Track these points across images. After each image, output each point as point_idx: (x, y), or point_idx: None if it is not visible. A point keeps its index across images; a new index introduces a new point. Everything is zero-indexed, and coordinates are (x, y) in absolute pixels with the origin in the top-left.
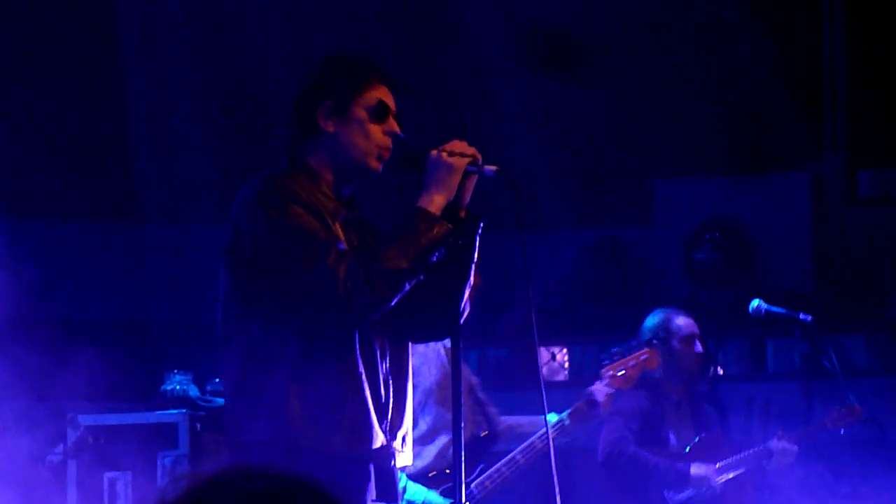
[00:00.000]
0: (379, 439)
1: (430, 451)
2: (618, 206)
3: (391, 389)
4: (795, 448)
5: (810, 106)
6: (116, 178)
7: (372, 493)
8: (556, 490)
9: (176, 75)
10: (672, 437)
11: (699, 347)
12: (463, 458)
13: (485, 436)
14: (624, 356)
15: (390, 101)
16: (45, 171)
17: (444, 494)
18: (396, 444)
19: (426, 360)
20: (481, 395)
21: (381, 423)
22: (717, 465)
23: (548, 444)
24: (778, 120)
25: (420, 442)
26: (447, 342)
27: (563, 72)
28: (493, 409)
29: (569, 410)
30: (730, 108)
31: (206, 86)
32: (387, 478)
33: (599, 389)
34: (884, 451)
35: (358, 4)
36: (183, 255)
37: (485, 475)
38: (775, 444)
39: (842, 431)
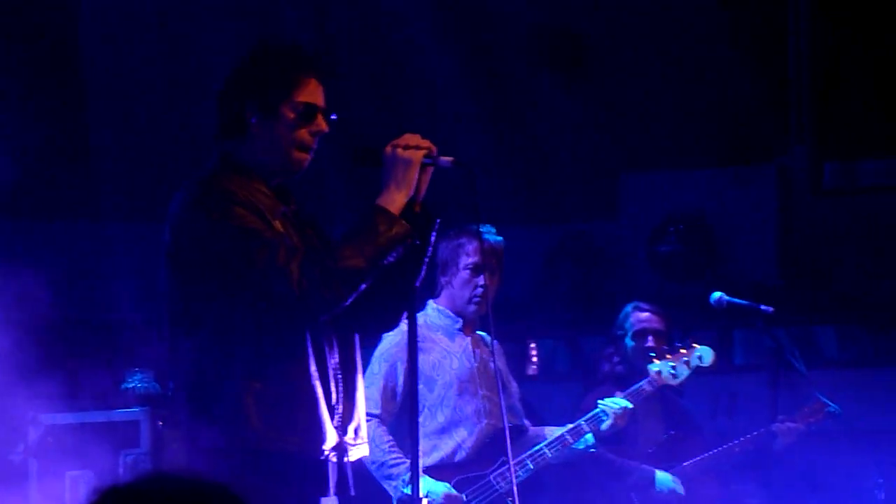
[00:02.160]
0: (331, 436)
1: (448, 443)
2: (585, 201)
3: (341, 384)
4: (800, 426)
5: (776, 97)
6: (74, 176)
7: (329, 489)
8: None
9: (136, 71)
10: (641, 434)
11: (649, 342)
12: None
13: (514, 427)
14: (675, 352)
15: (318, 97)
16: (4, 170)
17: (456, 486)
18: (348, 438)
19: (448, 354)
20: (518, 405)
21: (332, 419)
22: (685, 465)
23: (555, 455)
24: (744, 112)
25: (437, 434)
26: (486, 335)
27: (529, 67)
28: (525, 420)
29: (571, 425)
30: (695, 100)
31: (168, 82)
32: (338, 473)
33: (612, 406)
34: (852, 441)
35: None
36: (141, 253)
37: (506, 467)
38: (778, 426)
39: (811, 427)
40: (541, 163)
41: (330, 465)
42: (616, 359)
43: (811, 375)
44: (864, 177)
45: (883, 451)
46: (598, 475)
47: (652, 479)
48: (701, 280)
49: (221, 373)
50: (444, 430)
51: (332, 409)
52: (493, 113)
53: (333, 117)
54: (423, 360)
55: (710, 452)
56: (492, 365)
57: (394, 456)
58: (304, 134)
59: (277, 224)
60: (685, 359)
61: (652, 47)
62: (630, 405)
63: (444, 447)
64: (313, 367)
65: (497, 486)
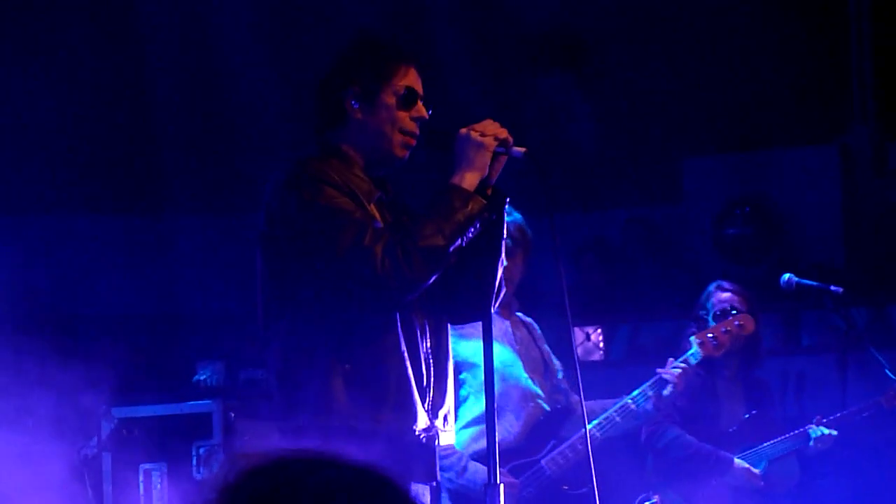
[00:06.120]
0: (422, 418)
1: (497, 429)
2: (648, 186)
3: (432, 369)
4: (834, 433)
5: (838, 78)
6: (143, 171)
7: (416, 473)
8: (594, 483)
9: (201, 65)
10: (723, 413)
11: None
12: (533, 434)
13: (561, 409)
14: (717, 321)
15: (418, 85)
16: (72, 167)
17: (510, 473)
18: (438, 422)
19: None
20: (562, 381)
21: (423, 403)
22: (764, 445)
23: (627, 419)
24: (806, 93)
25: (482, 421)
26: (525, 317)
27: (592, 55)
28: (574, 395)
29: (636, 392)
30: (757, 83)
31: (233, 74)
32: (428, 458)
33: (670, 371)
34: None
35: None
36: (210, 246)
37: (556, 451)
38: (814, 428)
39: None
40: (604, 149)
41: (420, 447)
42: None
43: (883, 356)
44: None
45: None
46: (677, 459)
47: (730, 465)
48: (766, 262)
49: (311, 353)
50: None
51: (422, 392)
52: (557, 100)
53: (427, 119)
54: (464, 346)
55: (787, 435)
56: (535, 346)
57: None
58: (405, 119)
59: (372, 208)
60: (725, 328)
61: (716, 31)
62: (690, 365)
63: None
64: (404, 348)
65: (548, 471)
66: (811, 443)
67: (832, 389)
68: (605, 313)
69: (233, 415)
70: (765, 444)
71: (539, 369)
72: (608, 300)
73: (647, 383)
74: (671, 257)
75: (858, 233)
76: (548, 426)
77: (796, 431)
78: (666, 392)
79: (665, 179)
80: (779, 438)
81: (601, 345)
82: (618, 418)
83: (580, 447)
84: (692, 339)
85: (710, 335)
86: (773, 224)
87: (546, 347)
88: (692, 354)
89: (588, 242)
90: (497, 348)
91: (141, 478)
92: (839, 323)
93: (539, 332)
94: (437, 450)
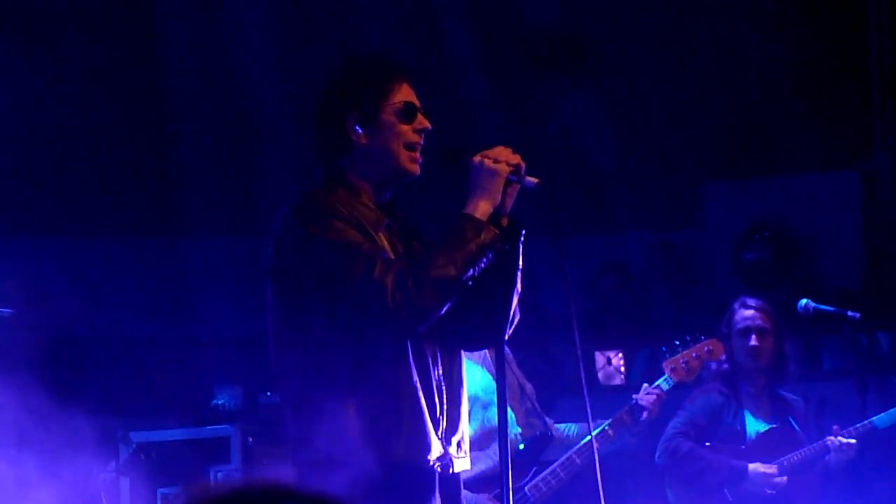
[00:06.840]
0: (436, 447)
1: (481, 456)
2: (669, 210)
3: (444, 396)
4: (853, 441)
5: (859, 103)
6: (159, 193)
7: (436, 501)
8: (601, 498)
9: (218, 86)
10: (749, 430)
11: (753, 341)
12: (510, 463)
13: (540, 436)
14: (686, 348)
15: (414, 98)
16: (88, 188)
17: (495, 499)
18: (452, 450)
19: (469, 366)
20: (536, 404)
21: (436, 431)
22: (777, 462)
23: (604, 445)
24: (827, 118)
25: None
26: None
27: (609, 77)
28: (546, 417)
29: (610, 420)
30: (778, 108)
31: (251, 98)
32: (448, 484)
33: (645, 396)
34: None
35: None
36: (228, 269)
37: (539, 478)
38: (833, 440)
39: None
40: (625, 173)
41: (436, 475)
42: (722, 357)
43: None
44: None
45: None
46: (691, 471)
47: (744, 473)
48: (785, 287)
49: (323, 386)
50: (475, 444)
51: (435, 421)
52: (578, 123)
53: (430, 129)
54: None
55: (806, 448)
56: (510, 371)
57: None
58: (408, 132)
59: (381, 237)
60: (695, 353)
61: (732, 55)
62: (663, 391)
63: (479, 461)
64: (416, 378)
65: (532, 498)
66: (832, 454)
67: (853, 414)
68: (626, 337)
69: (251, 439)
70: (783, 459)
71: (516, 395)
72: (629, 324)
73: (623, 409)
74: (691, 281)
75: (879, 258)
76: (528, 453)
77: (816, 444)
78: (641, 418)
79: (686, 203)
80: (798, 451)
81: (622, 369)
82: (595, 444)
83: (561, 473)
84: (664, 365)
85: (681, 360)
86: (792, 249)
87: (519, 372)
88: (665, 380)
89: (608, 266)
90: (477, 373)
91: (159, 502)
92: (859, 348)
93: (511, 356)
94: (456, 476)
